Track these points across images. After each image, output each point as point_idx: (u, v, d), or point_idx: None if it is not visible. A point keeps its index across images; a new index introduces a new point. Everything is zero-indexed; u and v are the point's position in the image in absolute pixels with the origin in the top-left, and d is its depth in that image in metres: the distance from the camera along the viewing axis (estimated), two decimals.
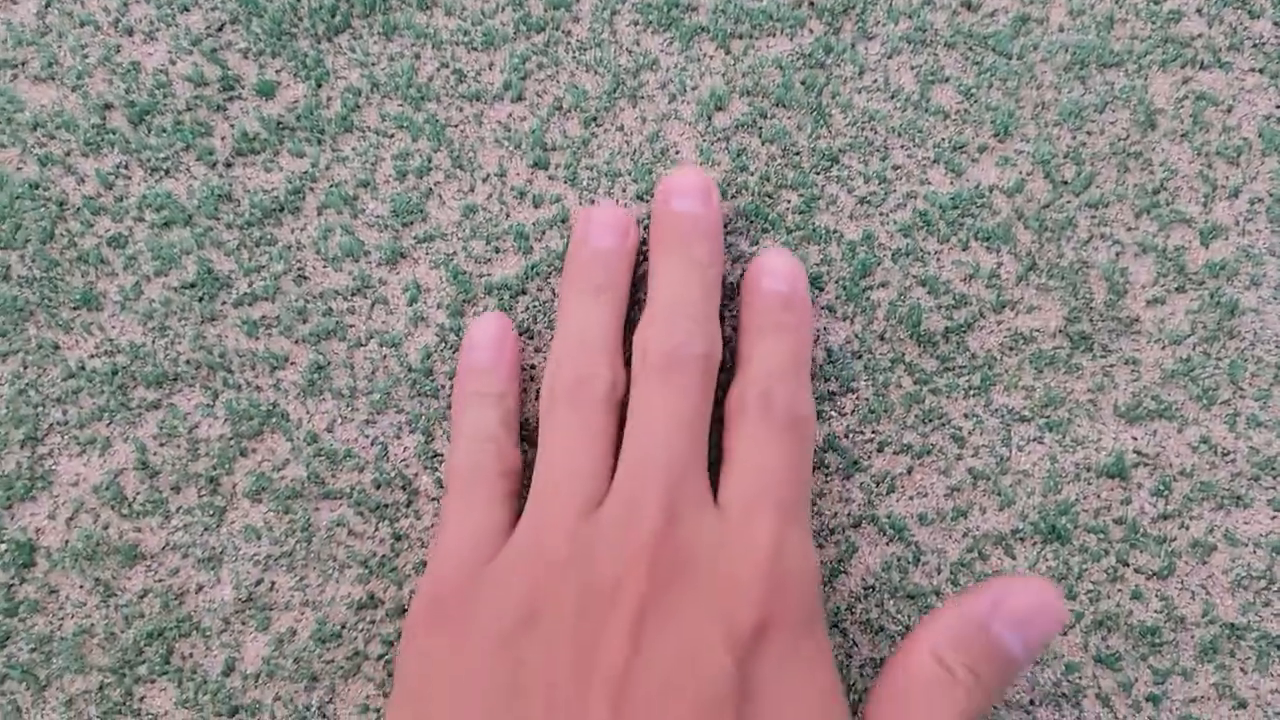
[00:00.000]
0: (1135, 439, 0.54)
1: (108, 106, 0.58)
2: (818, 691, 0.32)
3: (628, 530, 0.30)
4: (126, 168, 0.57)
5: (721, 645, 0.27)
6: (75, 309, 0.56)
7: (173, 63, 0.59)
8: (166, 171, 0.59)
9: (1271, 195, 0.56)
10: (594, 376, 0.39)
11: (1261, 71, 0.58)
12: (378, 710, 0.55)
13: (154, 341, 0.57)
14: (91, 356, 0.56)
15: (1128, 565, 0.52)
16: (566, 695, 0.27)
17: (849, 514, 0.54)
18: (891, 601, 0.53)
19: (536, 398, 0.55)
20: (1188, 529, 0.52)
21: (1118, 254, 0.56)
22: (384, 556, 0.57)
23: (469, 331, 0.54)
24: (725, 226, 0.58)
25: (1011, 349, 0.55)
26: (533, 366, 0.60)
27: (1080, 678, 0.52)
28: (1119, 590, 0.52)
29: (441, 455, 0.64)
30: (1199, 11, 0.58)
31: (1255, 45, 0.60)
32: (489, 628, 0.34)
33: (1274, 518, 0.52)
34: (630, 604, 0.30)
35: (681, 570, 0.31)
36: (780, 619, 0.29)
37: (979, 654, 0.36)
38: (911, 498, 0.54)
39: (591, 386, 0.39)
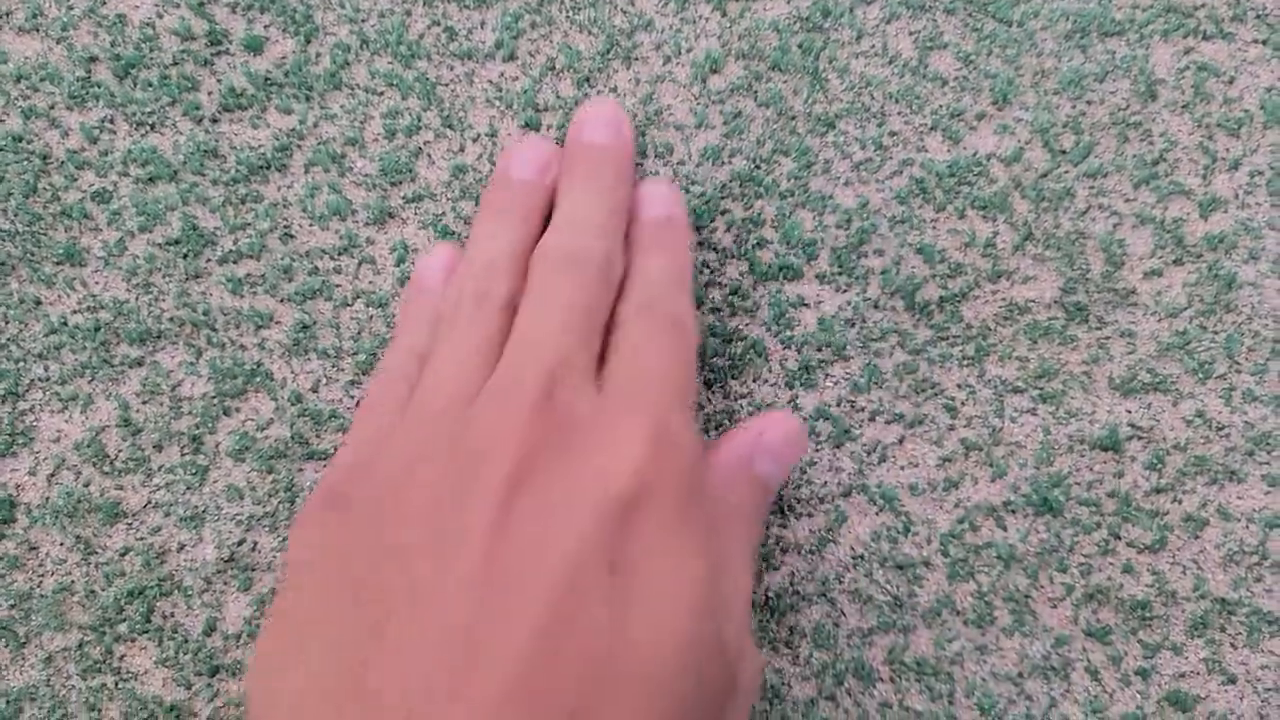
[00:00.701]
0: (1129, 412, 0.53)
1: (93, 59, 0.56)
2: (689, 580, 0.31)
3: (505, 401, 0.32)
4: (111, 122, 0.55)
5: (591, 512, 0.26)
6: (58, 264, 0.54)
7: (159, 16, 0.57)
8: (152, 126, 0.57)
9: (1272, 169, 0.55)
10: (494, 290, 0.39)
11: (1264, 43, 0.57)
12: None
13: (137, 298, 0.55)
14: (74, 312, 0.55)
15: (1119, 539, 0.51)
16: (433, 558, 0.28)
17: (839, 483, 0.52)
18: (880, 571, 0.52)
19: None
20: (1180, 503, 0.51)
21: (1115, 225, 0.54)
22: None
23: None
24: (720, 191, 0.56)
25: (1006, 319, 0.54)
26: None
27: (1070, 651, 0.50)
28: (1110, 564, 0.51)
29: None
30: None
31: (1258, 16, 0.58)
32: (365, 500, 0.34)
33: (1268, 493, 0.51)
34: (500, 468, 0.29)
35: (557, 440, 0.31)
36: (656, 494, 0.28)
37: (747, 488, 0.41)
38: (903, 467, 0.53)
39: (490, 299, 0.39)
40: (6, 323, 0.53)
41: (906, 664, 0.50)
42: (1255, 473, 0.51)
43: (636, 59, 0.56)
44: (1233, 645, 0.50)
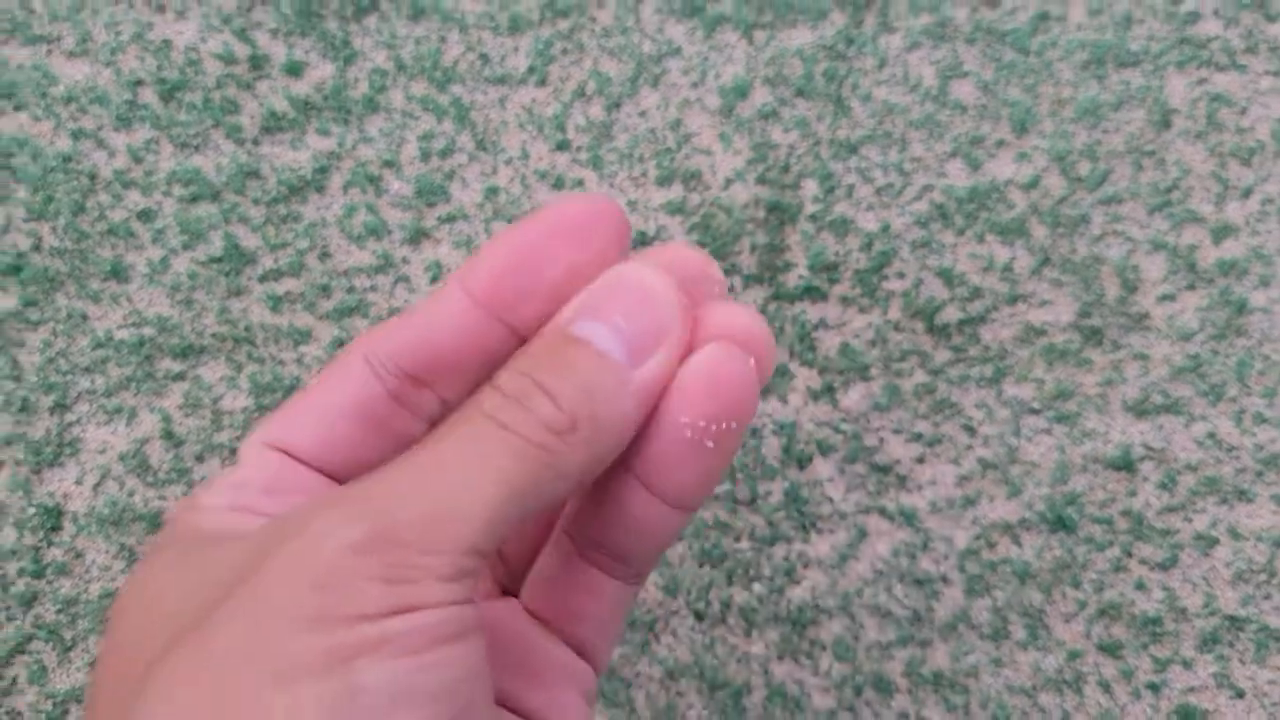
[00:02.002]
0: (1143, 432, 0.55)
1: (139, 83, 0.58)
2: None
3: None
4: (156, 143, 0.57)
5: None
6: (104, 280, 0.56)
7: (203, 41, 0.59)
8: (195, 147, 0.59)
9: None
10: None
11: (1277, 74, 0.58)
12: None
13: (180, 314, 0.57)
14: (120, 327, 0.57)
15: (1132, 556, 0.53)
16: None
17: (858, 501, 0.54)
18: (899, 586, 0.53)
19: None
20: (1191, 522, 0.52)
21: (1130, 250, 0.56)
22: None
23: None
24: (745, 215, 0.58)
25: (1024, 341, 0.55)
26: None
27: (1082, 665, 0.52)
28: (1123, 580, 0.52)
29: None
30: (1216, 13, 0.58)
31: (1271, 49, 0.60)
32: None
33: (1276, 513, 0.52)
34: None
35: None
36: None
37: None
38: (922, 485, 0.54)
39: None
40: (55, 337, 0.55)
41: (924, 676, 0.51)
42: (1265, 493, 0.53)
43: (665, 84, 0.57)
44: (1241, 661, 0.52)
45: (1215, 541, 0.51)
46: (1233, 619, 0.49)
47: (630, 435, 0.26)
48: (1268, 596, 0.49)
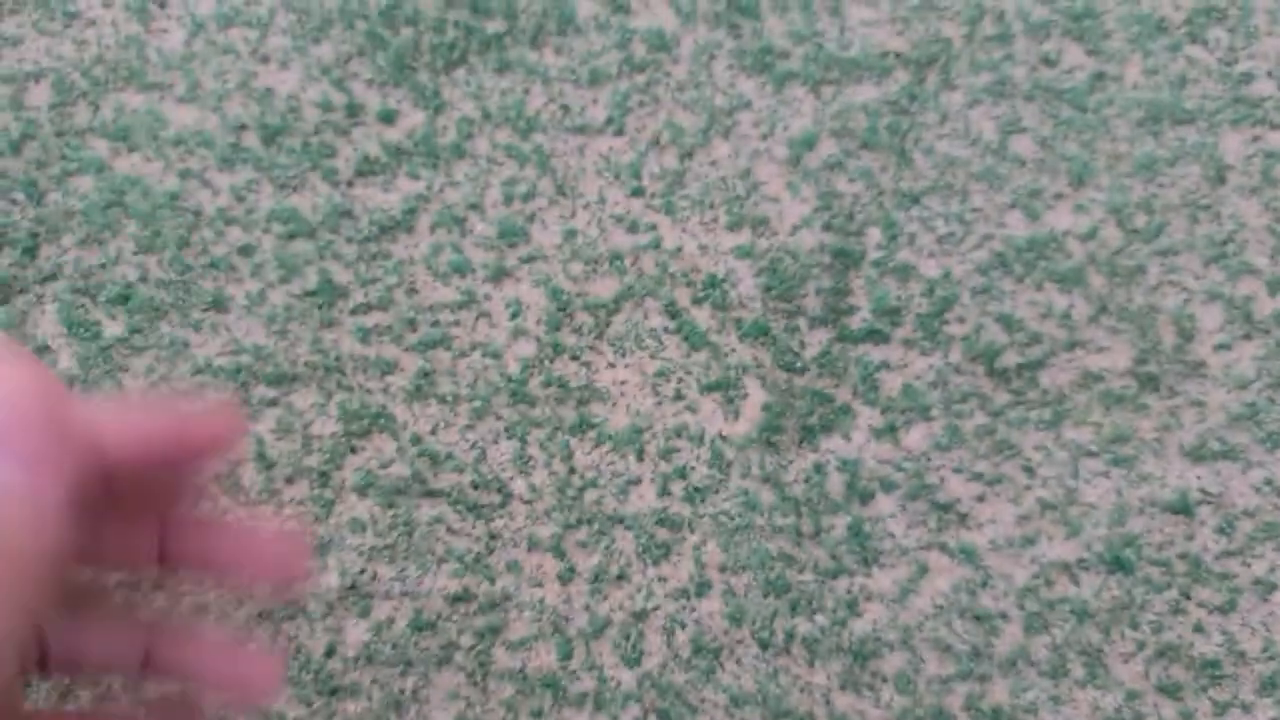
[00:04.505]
0: (1200, 478, 0.55)
1: (243, 127, 0.62)
2: None
3: None
4: (257, 183, 0.60)
5: None
6: (205, 310, 0.59)
7: (303, 89, 0.62)
8: (293, 188, 0.62)
9: None
10: None
11: None
12: (467, 698, 0.57)
13: (275, 343, 0.60)
14: (218, 355, 0.60)
15: (1190, 599, 0.53)
16: None
17: (919, 537, 0.55)
18: (960, 622, 0.54)
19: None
20: (1250, 566, 0.53)
21: (1186, 300, 0.57)
22: (478, 553, 0.60)
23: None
24: (812, 260, 0.59)
25: (1081, 386, 0.56)
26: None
27: (1141, 705, 0.52)
28: (1181, 622, 0.53)
29: (535, 461, 0.66)
30: (1269, 74, 0.59)
31: None
32: None
33: None
34: None
35: None
36: None
37: None
38: (982, 524, 0.55)
39: None
40: (158, 363, 0.58)
41: (984, 711, 0.52)
42: None
43: (736, 135, 0.60)
44: None
45: (1274, 587, 0.51)
46: None
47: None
48: None
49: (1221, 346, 0.52)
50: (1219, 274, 0.53)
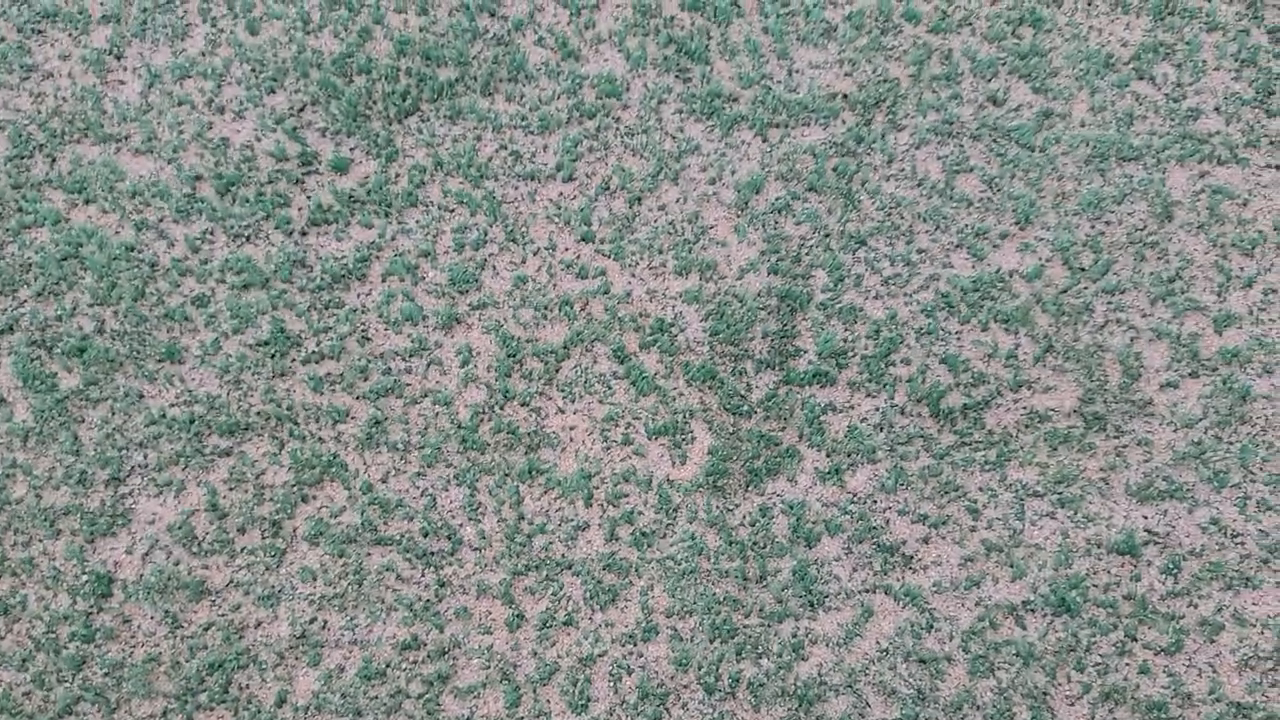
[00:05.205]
0: (1146, 518, 0.56)
1: (198, 178, 0.63)
2: None
3: None
4: (212, 233, 0.61)
5: None
6: (160, 361, 0.60)
7: (258, 139, 0.63)
8: (248, 238, 0.63)
9: None
10: None
11: (1278, 168, 0.60)
12: None
13: (229, 394, 0.61)
14: (172, 405, 0.60)
15: (1136, 640, 0.53)
16: None
17: (864, 580, 0.55)
18: (904, 665, 0.54)
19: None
20: (1196, 608, 0.53)
21: (1133, 339, 0.57)
22: (428, 601, 0.61)
23: None
24: (758, 303, 0.60)
25: (1027, 427, 0.57)
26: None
27: None
28: (1127, 664, 0.53)
29: (484, 507, 0.66)
30: (1217, 109, 0.60)
31: (1272, 142, 0.62)
32: None
33: None
34: None
35: None
36: None
37: None
38: (927, 566, 0.56)
39: None
40: (113, 414, 0.59)
41: None
42: (1270, 579, 0.53)
43: (684, 180, 0.61)
44: None
45: (1220, 628, 0.52)
46: (1239, 706, 0.50)
47: None
48: (1274, 684, 0.50)
49: (1168, 385, 0.53)
50: (1165, 311, 0.54)
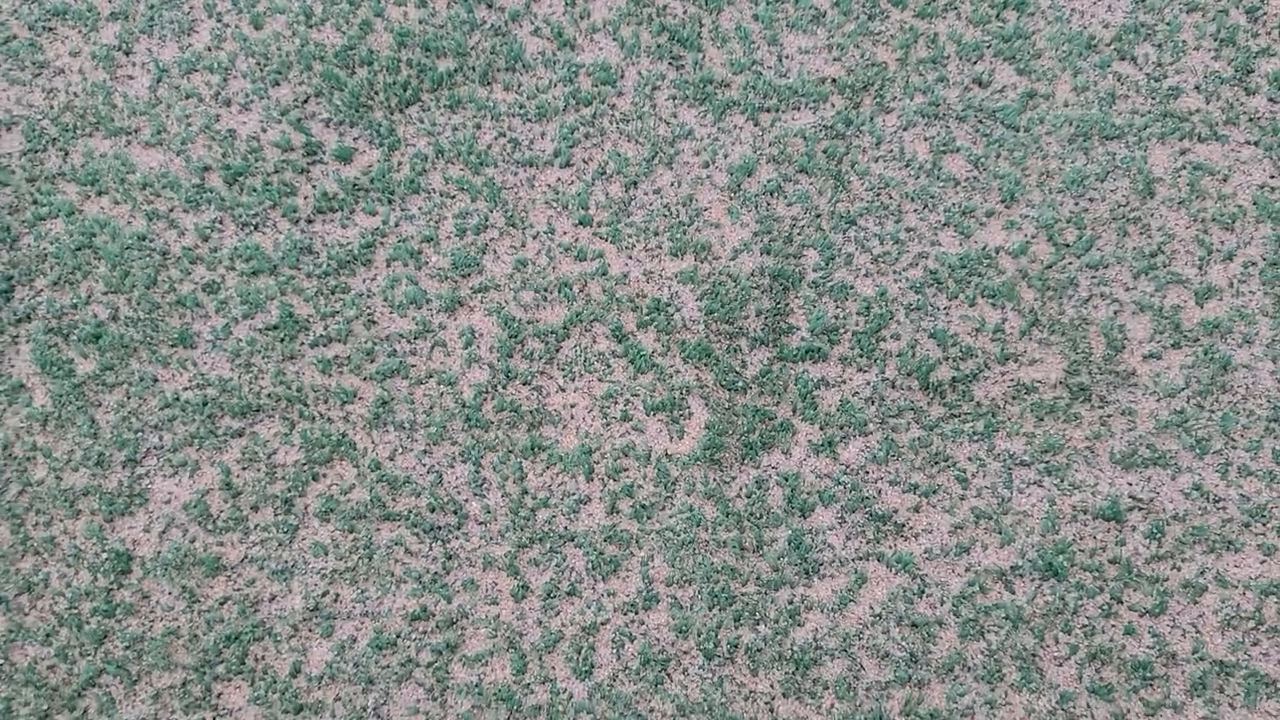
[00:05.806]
0: (1130, 485, 0.57)
1: (207, 168, 0.65)
2: None
3: None
4: (221, 223, 0.63)
5: None
6: (173, 347, 0.62)
7: (264, 130, 0.65)
8: (256, 226, 0.65)
9: (1265, 259, 0.59)
10: None
11: (1256, 144, 0.61)
12: (427, 713, 0.59)
13: (240, 376, 0.63)
14: (185, 389, 0.62)
15: (1121, 602, 0.55)
16: None
17: (857, 548, 0.56)
18: (897, 629, 0.56)
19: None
20: (1180, 570, 0.54)
21: (1116, 312, 0.59)
22: (436, 573, 0.62)
23: None
24: (752, 283, 0.62)
25: (1014, 398, 0.58)
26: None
27: (1074, 707, 0.54)
28: (1113, 626, 0.54)
29: (489, 483, 0.68)
30: (1197, 88, 0.61)
31: (1251, 119, 0.63)
32: None
33: (1263, 562, 0.54)
34: None
35: None
36: None
37: None
38: (918, 534, 0.57)
39: None
40: (128, 398, 0.61)
41: (921, 716, 0.53)
42: (1251, 542, 0.54)
43: (678, 164, 0.62)
44: (1231, 705, 0.53)
45: (1204, 589, 0.53)
46: (1222, 665, 0.52)
47: None
48: (1256, 643, 0.51)
49: (1151, 356, 0.54)
50: (1148, 285, 0.55)
